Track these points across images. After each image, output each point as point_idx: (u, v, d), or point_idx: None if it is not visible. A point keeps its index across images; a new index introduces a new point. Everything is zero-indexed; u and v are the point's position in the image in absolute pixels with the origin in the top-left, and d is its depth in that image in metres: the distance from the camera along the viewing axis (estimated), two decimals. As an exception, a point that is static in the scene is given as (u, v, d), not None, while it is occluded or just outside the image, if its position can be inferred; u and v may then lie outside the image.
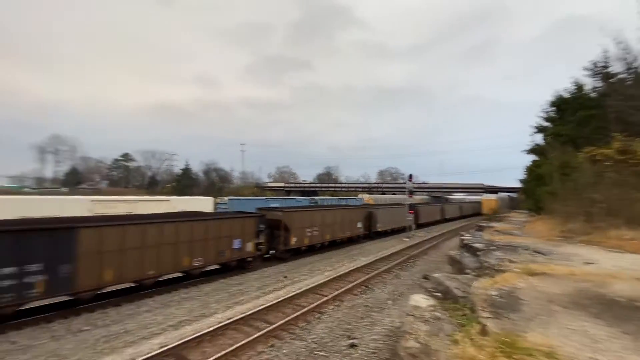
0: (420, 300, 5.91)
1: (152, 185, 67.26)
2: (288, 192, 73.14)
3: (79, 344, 8.07)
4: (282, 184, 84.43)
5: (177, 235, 12.48)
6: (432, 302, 5.99)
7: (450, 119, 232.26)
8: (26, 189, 53.38)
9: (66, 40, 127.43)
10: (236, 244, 14.91)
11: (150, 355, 7.19)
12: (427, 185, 74.60)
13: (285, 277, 14.83)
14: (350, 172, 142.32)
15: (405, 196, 33.88)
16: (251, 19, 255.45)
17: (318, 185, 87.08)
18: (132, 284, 11.60)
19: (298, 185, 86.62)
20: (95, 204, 21.27)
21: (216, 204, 29.28)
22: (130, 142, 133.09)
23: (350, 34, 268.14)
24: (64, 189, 57.01)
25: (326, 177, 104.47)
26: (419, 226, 36.55)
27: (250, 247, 15.63)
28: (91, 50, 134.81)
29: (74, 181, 63.99)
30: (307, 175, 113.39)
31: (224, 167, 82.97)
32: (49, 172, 69.92)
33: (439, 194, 78.03)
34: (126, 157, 73.94)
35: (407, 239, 27.80)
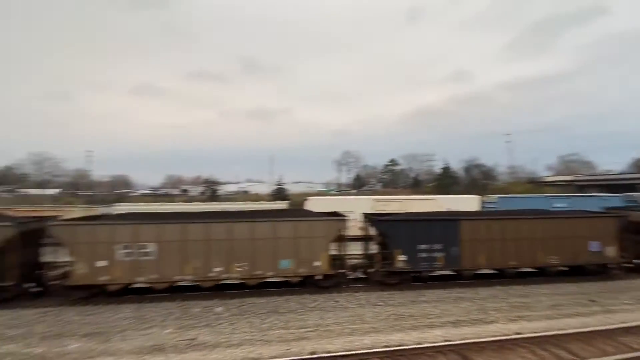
0: None
1: (415, 186, 73.26)
2: (581, 187, 55.01)
3: (375, 315, 9.90)
4: (569, 177, 64.80)
5: (532, 231, 13.26)
6: None
7: None
8: (331, 192, 75.38)
9: (347, 81, 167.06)
10: (593, 246, 13.67)
11: (435, 344, 7.55)
12: None
13: (592, 300, 11.09)
14: None
15: None
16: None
17: (636, 176, 59.04)
18: (496, 271, 13.59)
19: (598, 177, 63.10)
20: (375, 202, 25.89)
21: (483, 202, 27.09)
22: (396, 148, 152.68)
23: None
24: (353, 191, 74.69)
25: (652, 163, 69.14)
26: None
27: (611, 252, 13.77)
28: (364, 81, 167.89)
29: (359, 185, 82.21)
30: (611, 163, 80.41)
31: (486, 163, 75.90)
32: (343, 178, 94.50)
33: None
34: (392, 162, 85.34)
35: None
